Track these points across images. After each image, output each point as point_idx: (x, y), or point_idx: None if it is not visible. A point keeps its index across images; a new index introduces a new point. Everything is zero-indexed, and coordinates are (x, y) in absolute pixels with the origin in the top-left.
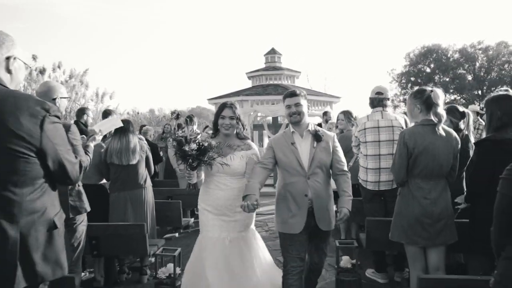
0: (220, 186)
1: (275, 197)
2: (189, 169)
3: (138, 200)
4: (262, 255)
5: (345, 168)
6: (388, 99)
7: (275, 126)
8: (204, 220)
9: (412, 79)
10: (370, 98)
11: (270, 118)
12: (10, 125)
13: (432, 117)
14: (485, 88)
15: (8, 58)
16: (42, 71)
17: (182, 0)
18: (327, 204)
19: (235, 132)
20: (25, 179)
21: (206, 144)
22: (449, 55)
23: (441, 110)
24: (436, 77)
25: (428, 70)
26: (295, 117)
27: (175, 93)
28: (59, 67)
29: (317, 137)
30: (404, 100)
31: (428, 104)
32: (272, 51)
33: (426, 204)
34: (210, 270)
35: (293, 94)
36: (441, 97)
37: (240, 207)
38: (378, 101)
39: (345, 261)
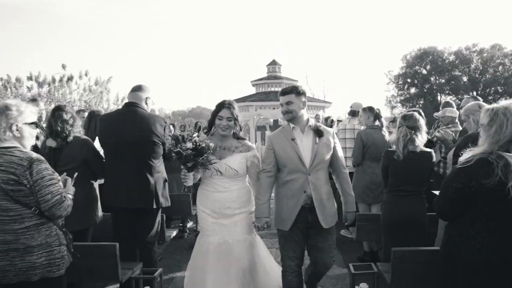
0: (218, 188)
1: (274, 194)
2: (185, 171)
3: (180, 180)
4: (267, 261)
5: (344, 165)
6: (354, 111)
7: (275, 127)
8: (203, 224)
9: (409, 80)
10: None
11: (271, 120)
12: (153, 130)
13: (378, 123)
14: (479, 89)
15: (147, 98)
16: (70, 78)
17: (182, 1)
18: (326, 201)
19: (231, 132)
20: (157, 155)
21: (203, 145)
22: (444, 57)
23: (383, 120)
24: (432, 79)
25: (424, 71)
26: (288, 115)
27: (176, 93)
28: (86, 74)
29: (318, 132)
30: (401, 101)
31: (376, 116)
32: (273, 62)
33: (373, 176)
34: (210, 275)
35: (284, 92)
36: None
37: (252, 225)
38: (349, 112)
39: None
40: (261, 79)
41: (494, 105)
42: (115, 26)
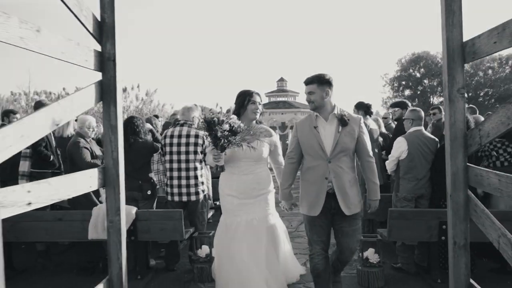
0: (244, 171)
1: (300, 181)
2: (219, 151)
3: None
4: (287, 240)
5: (370, 154)
6: None
7: (283, 126)
8: (229, 206)
9: (404, 83)
10: None
11: (280, 122)
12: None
13: None
14: (470, 91)
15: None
16: (124, 90)
17: (185, 4)
18: (349, 188)
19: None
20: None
21: (236, 125)
22: (437, 61)
23: None
24: (425, 81)
25: (418, 75)
26: (310, 105)
27: (176, 93)
28: (138, 87)
29: (342, 121)
30: None
31: None
32: (281, 79)
33: None
34: (240, 253)
35: (307, 82)
36: None
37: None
38: None
39: None
40: (272, 92)
41: None
42: (127, 26)
